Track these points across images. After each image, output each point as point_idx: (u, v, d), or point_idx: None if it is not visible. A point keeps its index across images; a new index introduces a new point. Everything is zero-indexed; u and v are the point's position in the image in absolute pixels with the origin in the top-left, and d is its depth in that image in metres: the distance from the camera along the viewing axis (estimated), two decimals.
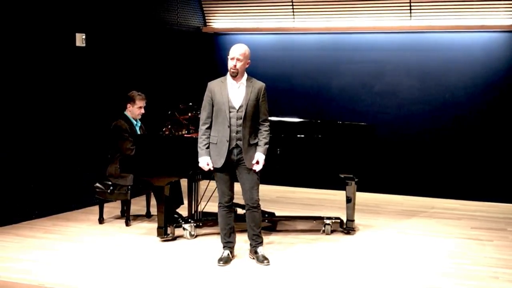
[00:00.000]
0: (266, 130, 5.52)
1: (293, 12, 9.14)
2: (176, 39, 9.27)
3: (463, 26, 8.36)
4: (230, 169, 5.50)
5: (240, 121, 5.38)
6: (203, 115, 5.50)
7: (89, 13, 7.72)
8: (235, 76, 5.41)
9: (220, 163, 5.42)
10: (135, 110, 6.91)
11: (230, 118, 5.38)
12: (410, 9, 8.50)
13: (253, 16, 9.41)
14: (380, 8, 8.67)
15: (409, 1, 8.45)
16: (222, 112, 5.39)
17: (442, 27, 8.46)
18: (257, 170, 5.50)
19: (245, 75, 5.49)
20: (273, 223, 6.87)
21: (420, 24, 8.56)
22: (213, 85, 5.48)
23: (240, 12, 9.46)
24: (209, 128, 5.48)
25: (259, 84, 5.49)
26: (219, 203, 5.63)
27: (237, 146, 5.42)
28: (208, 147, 5.48)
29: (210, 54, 9.79)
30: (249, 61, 5.50)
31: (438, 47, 8.58)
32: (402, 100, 8.81)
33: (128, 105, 6.93)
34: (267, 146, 5.51)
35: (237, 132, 5.40)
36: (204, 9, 9.66)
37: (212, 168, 5.48)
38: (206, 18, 9.72)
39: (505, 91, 8.32)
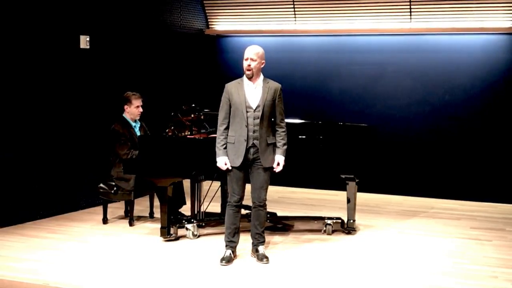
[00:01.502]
0: (283, 131, 5.58)
1: (294, 14, 9.18)
2: (179, 41, 9.31)
3: (462, 28, 8.40)
4: (245, 169, 5.55)
5: (257, 121, 5.44)
6: (221, 116, 5.55)
7: (93, 16, 7.76)
8: (250, 76, 5.47)
9: (238, 162, 5.47)
10: (133, 110, 6.91)
11: (247, 118, 5.44)
12: (410, 12, 8.55)
13: (255, 18, 9.47)
14: (380, 10, 8.71)
15: (409, 4, 8.49)
16: (239, 112, 5.45)
17: (441, 29, 8.50)
18: (277, 171, 5.59)
19: (261, 76, 5.56)
20: (280, 223, 6.92)
21: (420, 27, 8.60)
22: (230, 86, 5.55)
23: (242, 15, 9.51)
24: (227, 128, 5.53)
25: (275, 85, 5.56)
26: (228, 201, 5.66)
27: (253, 145, 5.48)
28: (225, 147, 5.53)
29: (213, 56, 9.83)
30: (264, 61, 5.56)
31: (438, 49, 8.62)
32: (402, 102, 8.85)
33: (125, 106, 6.92)
34: (285, 147, 5.59)
35: (254, 131, 5.45)
36: (207, 11, 9.70)
37: (230, 168, 5.52)
38: (209, 20, 9.77)
39: (504, 92, 8.36)
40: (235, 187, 5.57)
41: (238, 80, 5.58)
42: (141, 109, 6.95)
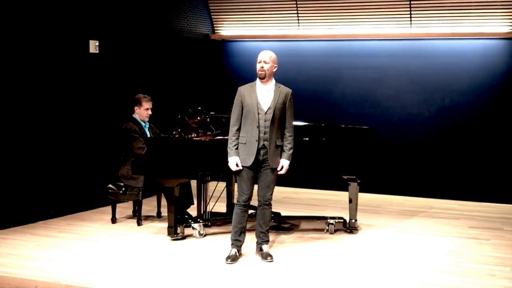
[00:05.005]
0: (290, 136, 5.70)
1: (298, 20, 9.26)
2: (185, 46, 9.37)
3: (461, 33, 8.46)
4: (255, 169, 5.65)
5: (268, 123, 5.56)
6: (233, 117, 5.66)
7: (102, 21, 7.86)
8: (263, 78, 5.59)
9: (249, 162, 5.57)
10: (142, 112, 7.02)
11: (259, 120, 5.55)
12: (410, 17, 8.62)
13: (259, 23, 9.54)
14: (381, 16, 8.78)
15: (409, 9, 8.56)
16: (251, 114, 5.57)
17: (441, 34, 8.55)
18: (278, 173, 5.70)
19: (273, 81, 5.69)
20: (286, 223, 7.00)
21: (420, 32, 8.66)
22: (243, 89, 5.67)
23: (247, 20, 9.58)
24: (239, 130, 5.63)
25: (287, 90, 5.69)
26: (236, 201, 5.75)
27: (264, 146, 5.59)
28: (237, 148, 5.64)
29: (218, 60, 9.90)
30: (276, 65, 5.69)
31: (437, 54, 8.68)
32: (403, 105, 8.91)
33: (136, 107, 7.03)
34: (291, 151, 5.69)
35: (264, 133, 5.56)
36: (213, 17, 9.77)
37: (241, 168, 5.62)
38: (215, 25, 9.84)
39: (502, 95, 8.43)
40: (244, 186, 5.66)
41: (251, 83, 5.70)
42: (150, 112, 7.06)
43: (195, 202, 6.95)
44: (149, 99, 7.07)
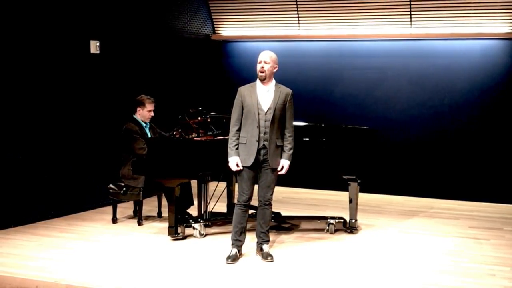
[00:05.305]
0: (290, 136, 5.71)
1: (298, 20, 9.28)
2: (186, 46, 9.40)
3: (461, 34, 8.48)
4: (255, 169, 5.67)
5: (268, 123, 5.58)
6: (234, 118, 5.67)
7: (103, 22, 7.88)
8: (263, 79, 5.61)
9: (250, 162, 5.58)
10: (145, 114, 7.04)
11: (259, 120, 5.57)
12: (411, 18, 8.65)
13: (260, 24, 9.56)
14: (381, 16, 8.80)
15: (409, 10, 8.58)
16: (251, 114, 5.58)
17: (441, 34, 8.58)
18: (279, 174, 5.72)
19: (273, 81, 5.70)
20: (286, 223, 7.02)
21: (420, 32, 8.68)
22: (243, 90, 5.68)
23: (248, 21, 9.60)
24: (239, 130, 5.65)
25: (287, 90, 5.71)
26: (237, 201, 5.77)
27: (264, 147, 5.60)
28: (237, 148, 5.65)
29: (219, 61, 9.92)
30: (277, 66, 5.70)
31: (437, 54, 8.69)
32: (403, 105, 8.93)
33: (138, 108, 7.05)
34: (291, 152, 5.71)
35: (265, 133, 5.58)
36: (213, 17, 9.80)
37: (241, 168, 5.64)
38: (215, 26, 9.87)
39: (501, 95, 8.44)
40: (244, 186, 5.68)
41: (251, 84, 5.71)
42: (152, 113, 7.08)
43: (196, 202, 6.98)
44: (152, 101, 7.10)
